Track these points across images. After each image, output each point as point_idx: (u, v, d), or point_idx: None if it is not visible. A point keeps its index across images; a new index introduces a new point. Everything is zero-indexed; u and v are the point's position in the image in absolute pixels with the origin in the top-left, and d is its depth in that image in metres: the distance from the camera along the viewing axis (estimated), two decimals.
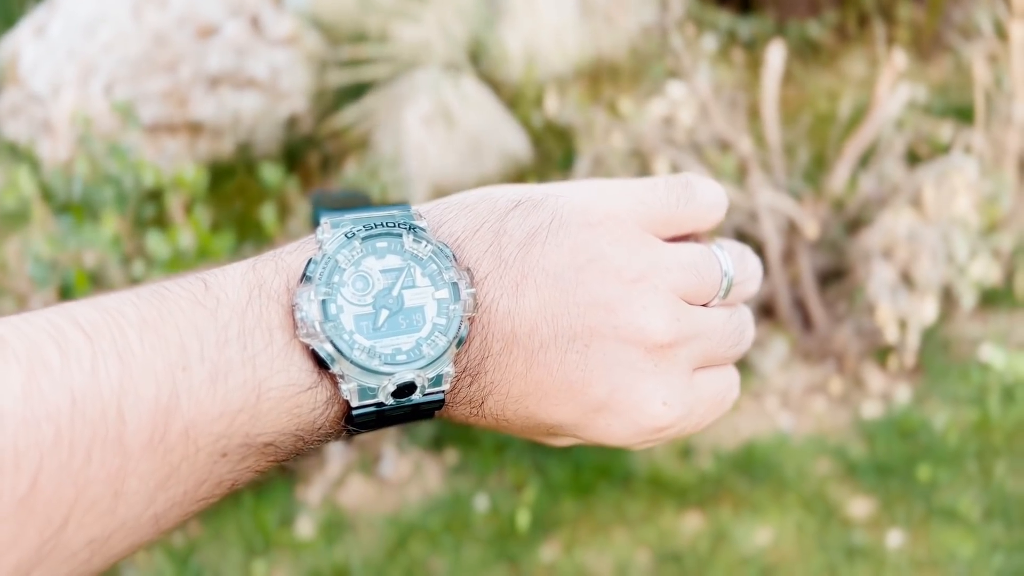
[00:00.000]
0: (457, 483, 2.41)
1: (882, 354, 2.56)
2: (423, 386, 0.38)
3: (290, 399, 0.36)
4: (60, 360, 0.31)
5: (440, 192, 3.39)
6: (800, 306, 2.65)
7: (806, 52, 3.90)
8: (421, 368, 0.38)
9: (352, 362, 0.36)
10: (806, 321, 2.65)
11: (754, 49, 3.57)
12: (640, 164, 2.24)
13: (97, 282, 2.35)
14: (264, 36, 4.03)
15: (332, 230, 0.39)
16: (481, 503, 2.32)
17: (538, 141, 3.65)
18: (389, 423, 0.39)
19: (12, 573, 0.30)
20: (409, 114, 3.29)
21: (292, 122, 3.92)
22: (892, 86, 2.59)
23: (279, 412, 0.35)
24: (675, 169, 2.23)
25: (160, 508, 0.33)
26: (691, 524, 2.19)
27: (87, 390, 0.31)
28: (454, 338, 0.39)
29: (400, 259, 0.39)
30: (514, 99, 3.73)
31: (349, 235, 0.39)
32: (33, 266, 2.28)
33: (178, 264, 2.27)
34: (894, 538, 2.08)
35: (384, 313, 0.38)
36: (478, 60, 3.80)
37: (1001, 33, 2.99)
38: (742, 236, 2.65)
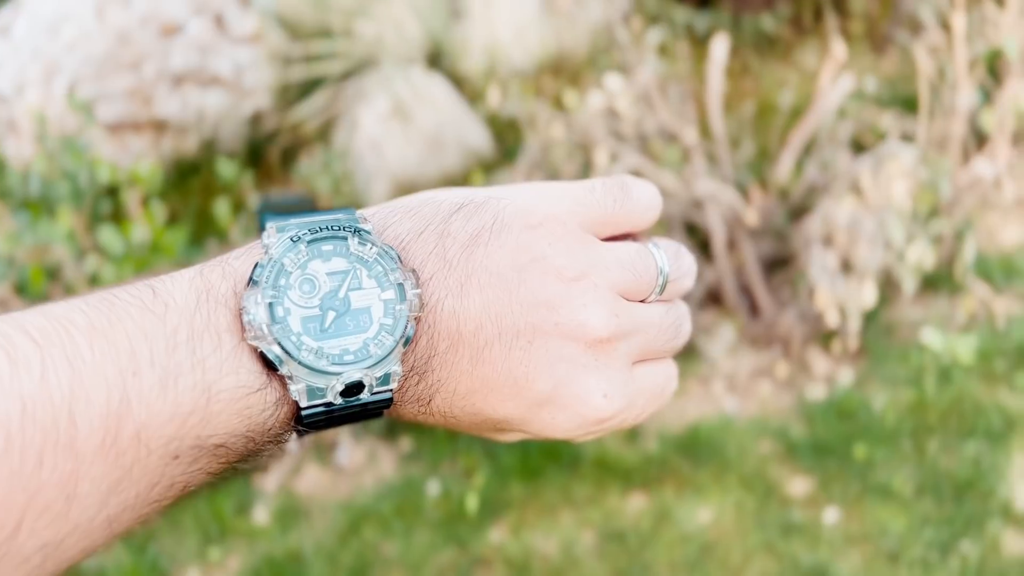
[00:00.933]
0: (410, 470, 2.46)
1: (826, 338, 2.62)
2: (371, 385, 0.39)
3: (240, 400, 0.36)
4: (9, 368, 0.31)
5: (401, 187, 3.44)
6: (746, 293, 2.72)
7: (763, 45, 3.96)
8: (369, 367, 0.39)
9: (300, 363, 0.37)
10: (752, 307, 2.72)
11: (706, 43, 3.63)
12: (585, 156, 2.29)
13: (53, 277, 2.39)
14: (228, 34, 4.06)
15: (278, 234, 0.40)
16: (433, 488, 2.37)
17: (500, 135, 3.70)
18: (339, 423, 0.40)
19: None
20: (367, 110, 3.33)
21: (256, 119, 3.95)
22: (834, 77, 2.65)
23: (229, 414, 0.36)
24: (616, 160, 2.29)
25: (113, 511, 0.34)
26: (635, 505, 2.25)
27: (37, 396, 0.31)
28: (401, 337, 0.40)
29: (346, 261, 0.40)
30: (476, 94, 3.78)
31: (295, 239, 0.40)
32: None
33: (131, 259, 2.31)
34: (830, 515, 2.14)
35: (331, 315, 0.39)
36: (440, 56, 3.85)
37: (945, 25, 3.06)
38: (688, 225, 2.71)
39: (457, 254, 0.41)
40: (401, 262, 0.41)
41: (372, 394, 0.40)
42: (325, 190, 2.41)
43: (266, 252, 0.39)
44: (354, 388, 0.39)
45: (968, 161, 2.81)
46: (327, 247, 0.40)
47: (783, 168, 2.67)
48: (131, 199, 2.55)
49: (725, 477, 2.27)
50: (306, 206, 0.45)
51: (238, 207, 2.60)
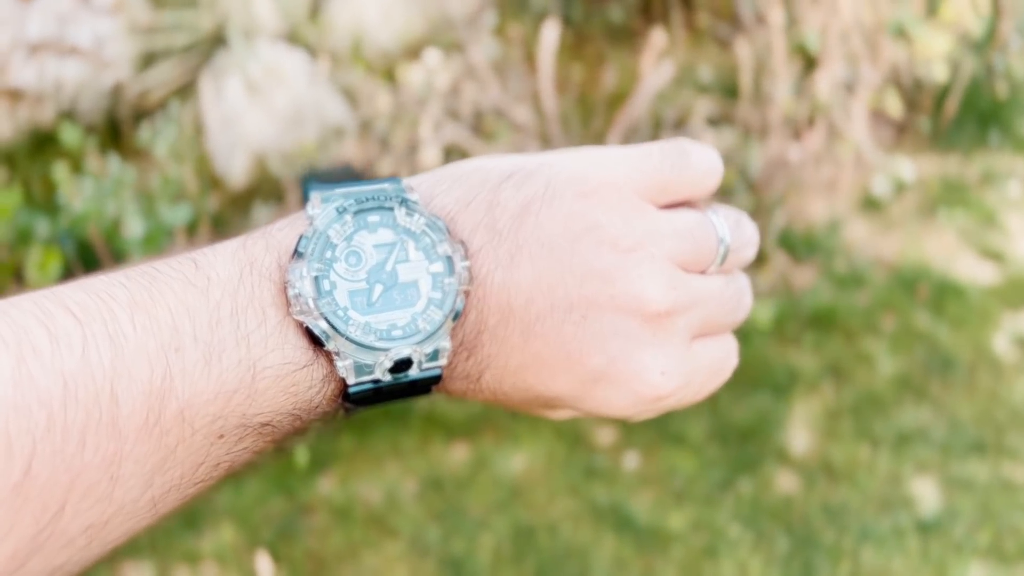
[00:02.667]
0: None
1: None
2: (420, 361, 0.38)
3: (286, 378, 0.35)
4: (50, 345, 0.30)
5: (260, 160, 3.51)
6: None
7: (617, 35, 4.18)
8: (418, 343, 0.38)
9: (347, 339, 0.36)
10: None
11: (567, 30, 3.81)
12: (409, 126, 2.43)
13: None
14: (89, 4, 4.04)
15: (323, 205, 0.39)
16: None
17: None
18: (387, 399, 0.39)
19: (8, 562, 0.29)
20: (222, 83, 3.39)
21: (116, 90, 3.95)
22: (655, 64, 2.87)
23: (275, 391, 0.35)
24: (439, 129, 2.44)
25: (157, 492, 0.33)
26: (458, 454, 2.42)
27: (79, 374, 0.30)
28: (450, 312, 0.39)
29: (393, 233, 0.39)
30: (335, 68, 3.87)
31: (340, 210, 0.39)
32: None
33: None
34: (630, 460, 2.35)
35: (378, 288, 0.38)
36: (304, 32, 3.92)
37: (764, 20, 3.32)
38: None
39: (507, 224, 0.40)
40: (449, 233, 0.40)
41: (421, 370, 0.38)
42: (161, 156, 2.48)
43: (311, 223, 0.38)
44: (403, 364, 0.38)
45: (780, 145, 3.07)
46: (373, 218, 0.39)
47: None
48: None
49: (540, 428, 2.46)
50: (351, 175, 0.49)
51: (79, 171, 2.64)
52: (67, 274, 2.55)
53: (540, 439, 2.42)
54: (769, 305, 2.73)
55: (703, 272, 0.43)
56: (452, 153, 2.54)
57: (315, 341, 0.36)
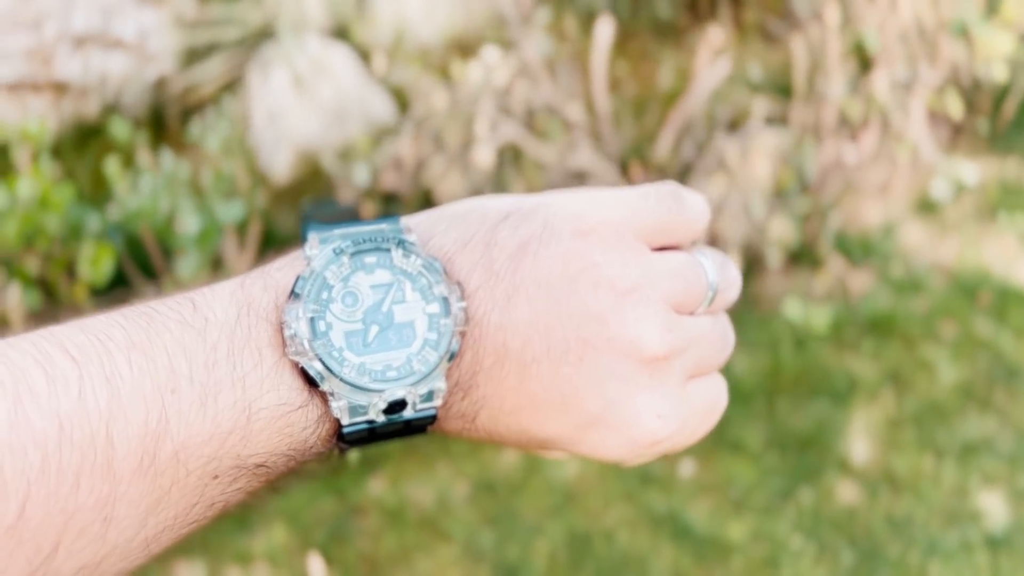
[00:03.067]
0: None
1: None
2: (414, 402, 0.38)
3: (281, 418, 0.35)
4: (47, 386, 0.30)
5: (305, 157, 3.49)
6: None
7: (662, 32, 4.12)
8: (412, 384, 0.38)
9: (341, 380, 0.36)
10: None
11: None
12: (464, 124, 2.40)
13: None
14: None
15: (320, 246, 0.39)
16: None
17: (405, 105, 3.78)
18: (381, 439, 0.39)
19: None
20: (267, 77, 3.38)
21: (160, 84, 3.94)
22: (711, 62, 2.81)
23: (270, 432, 0.35)
24: (495, 129, 2.40)
25: (151, 532, 0.33)
26: (509, 458, 2.38)
27: (74, 416, 0.30)
28: (445, 353, 0.39)
29: (390, 274, 0.39)
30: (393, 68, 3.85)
31: (337, 251, 0.39)
32: None
33: (16, 213, 2.33)
34: (686, 467, 2.31)
35: (374, 329, 0.38)
36: (348, 27, 3.90)
37: (821, 18, 3.25)
38: None
39: (504, 264, 0.40)
40: (446, 274, 0.40)
41: (416, 411, 0.38)
42: (214, 152, 2.46)
43: (308, 264, 0.39)
44: (397, 405, 0.38)
45: (835, 146, 3.01)
46: (370, 259, 0.40)
47: (662, 147, 2.83)
48: (22, 156, 2.55)
49: None
50: (350, 216, 0.45)
51: (129, 166, 2.63)
52: (118, 270, 2.54)
53: None
54: (826, 310, 2.67)
55: (691, 313, 0.44)
56: (506, 152, 2.51)
57: (310, 382, 0.36)
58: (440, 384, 0.39)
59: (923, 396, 2.44)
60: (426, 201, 2.59)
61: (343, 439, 0.38)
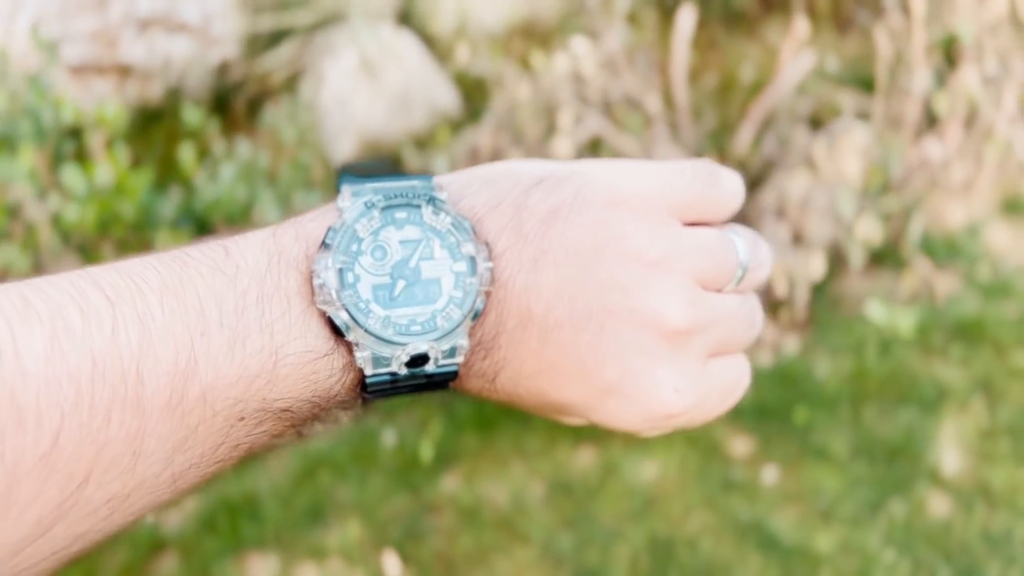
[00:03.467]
0: (366, 419, 2.51)
1: (775, 308, 2.71)
2: (436, 357, 0.39)
3: (306, 365, 0.36)
4: (82, 323, 0.32)
5: (368, 145, 3.45)
6: None
7: (731, 20, 4.02)
8: (435, 340, 0.38)
9: (366, 331, 0.37)
10: None
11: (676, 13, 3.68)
12: (548, 117, 2.34)
13: (14, 214, 2.38)
14: None
15: (352, 199, 0.40)
16: (388, 438, 2.43)
17: (468, 94, 3.72)
18: (404, 392, 0.40)
19: (34, 527, 0.31)
20: (336, 63, 3.34)
21: (223, 68, 3.92)
22: (795, 54, 2.72)
23: (296, 378, 0.36)
24: (580, 122, 2.34)
25: (178, 469, 0.34)
26: (584, 458, 2.33)
27: (107, 353, 0.31)
28: (469, 311, 0.39)
29: (419, 230, 0.40)
30: (445, 54, 3.79)
31: (369, 204, 0.39)
32: None
33: (95, 200, 2.32)
34: (769, 474, 2.24)
35: (401, 283, 0.39)
36: (410, 14, 3.85)
37: (906, 8, 3.14)
38: None
39: (533, 228, 0.40)
40: (475, 234, 0.40)
41: (437, 366, 0.39)
42: (290, 141, 2.42)
43: (340, 216, 0.39)
44: (419, 359, 0.38)
45: (919, 142, 2.90)
46: (401, 215, 0.40)
47: (742, 140, 2.74)
48: (95, 141, 2.54)
49: (671, 435, 2.36)
50: (387, 169, 0.45)
51: (203, 154, 2.61)
52: None
53: (672, 447, 2.32)
54: (911, 312, 2.58)
55: (720, 291, 0.44)
56: (583, 144, 2.44)
57: (336, 331, 0.37)
58: (463, 341, 0.39)
59: (1017, 406, 2.35)
60: None
61: (366, 389, 0.38)
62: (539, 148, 2.38)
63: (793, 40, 2.68)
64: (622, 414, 0.42)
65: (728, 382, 0.44)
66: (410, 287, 0.39)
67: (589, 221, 0.40)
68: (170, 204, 2.47)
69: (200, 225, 2.63)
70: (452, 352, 0.39)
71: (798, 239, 2.56)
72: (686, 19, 2.62)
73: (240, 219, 2.33)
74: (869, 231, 2.51)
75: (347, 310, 0.37)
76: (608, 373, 0.40)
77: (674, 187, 0.42)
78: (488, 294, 0.40)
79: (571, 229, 0.40)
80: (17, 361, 0.30)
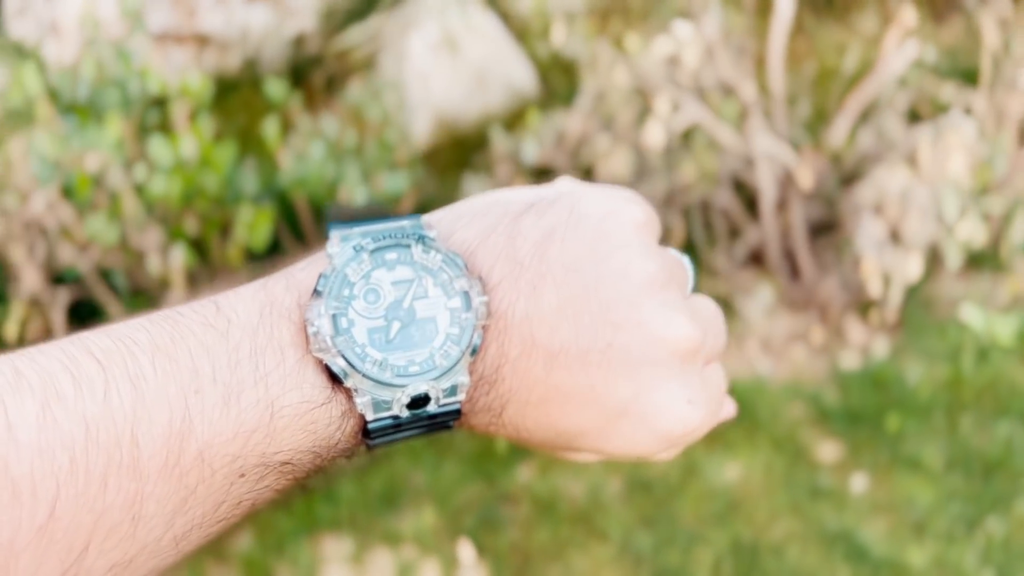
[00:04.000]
0: None
1: (865, 308, 2.61)
2: (437, 397, 0.38)
3: (304, 415, 0.36)
4: (74, 390, 0.31)
5: (444, 123, 3.40)
6: (789, 255, 2.70)
7: (820, 4, 3.87)
8: (435, 379, 0.38)
9: (364, 375, 0.36)
10: (793, 270, 2.70)
11: None
12: (642, 103, 2.26)
13: (100, 184, 2.38)
14: None
15: (341, 244, 0.39)
16: None
17: (544, 74, 3.64)
18: (408, 435, 0.39)
19: None
20: (414, 39, 3.28)
21: (300, 40, 3.90)
22: (899, 43, 2.60)
23: (294, 429, 0.35)
24: (677, 109, 2.25)
25: (179, 530, 0.34)
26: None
27: (100, 418, 0.31)
28: (467, 347, 0.38)
29: (411, 270, 0.39)
30: (522, 31, 3.72)
31: (358, 248, 0.39)
32: (37, 165, 2.31)
33: (180, 172, 2.30)
34: (858, 482, 2.16)
35: (396, 325, 0.38)
36: None
37: None
38: (738, 183, 2.68)
39: (529, 253, 0.39)
40: (466, 268, 0.39)
41: (439, 406, 0.38)
42: (374, 119, 2.38)
43: (330, 262, 0.38)
44: (420, 400, 0.38)
45: None
46: (391, 255, 0.39)
47: (838, 132, 2.63)
48: (179, 112, 2.53)
49: (756, 437, 2.29)
50: (375, 213, 0.43)
51: (286, 129, 2.58)
52: (275, 237, 2.50)
53: (756, 449, 2.25)
54: (1011, 319, 2.46)
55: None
56: (683, 135, 2.36)
57: (334, 378, 0.36)
58: (463, 378, 0.38)
59: None
60: (586, 177, 2.47)
61: (368, 435, 0.38)
62: (630, 135, 2.31)
63: (897, 28, 2.55)
64: (636, 436, 0.41)
65: (719, 387, 0.44)
66: (406, 328, 0.38)
67: (587, 235, 0.39)
68: (251, 179, 2.45)
69: (282, 201, 2.61)
70: (453, 390, 0.38)
71: (895, 237, 2.45)
72: (786, 4, 2.51)
73: (325, 197, 2.29)
74: (971, 232, 2.40)
75: (343, 356, 0.36)
76: (620, 392, 0.39)
77: (653, 213, 0.43)
78: (486, 328, 0.39)
79: (569, 246, 0.39)
80: (9, 433, 0.29)
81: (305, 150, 2.12)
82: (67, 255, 2.34)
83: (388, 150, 2.22)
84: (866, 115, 2.75)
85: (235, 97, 3.72)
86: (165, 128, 2.68)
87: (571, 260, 0.39)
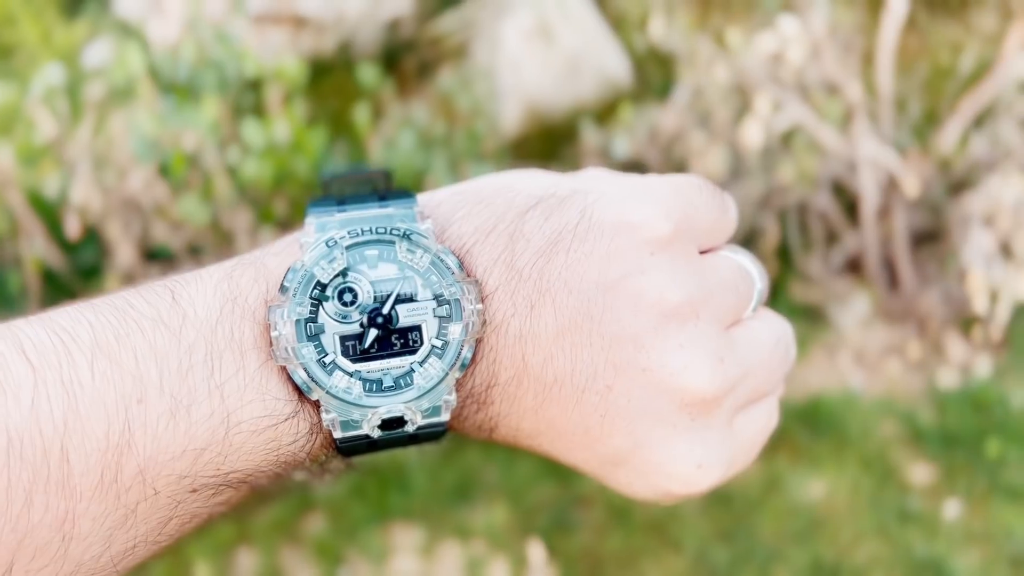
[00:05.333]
0: None
1: (967, 324, 2.48)
2: (414, 420, 0.33)
3: (264, 432, 0.31)
4: None
5: (533, 112, 3.36)
6: (888, 265, 2.58)
7: (937, 1, 3.69)
8: (412, 400, 0.33)
9: (328, 392, 0.32)
10: (892, 280, 2.58)
11: None
12: (741, 100, 2.17)
13: (194, 164, 2.42)
14: None
15: (315, 234, 0.34)
16: None
17: (639, 66, 3.57)
18: (386, 449, 0.35)
19: None
20: (508, 26, 3.25)
21: (394, 25, 3.91)
22: (1021, 43, 2.44)
23: (252, 446, 0.31)
24: (779, 109, 2.16)
25: (119, 548, 0.30)
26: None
27: (25, 429, 0.28)
28: (452, 364, 0.34)
29: (396, 268, 0.34)
30: (619, 21, 3.64)
31: (330, 243, 0.34)
32: (136, 142, 2.37)
33: (272, 155, 2.33)
34: (951, 508, 2.05)
35: (373, 332, 0.33)
36: None
37: None
38: (839, 187, 2.57)
39: (529, 262, 0.34)
40: (462, 270, 0.34)
41: (417, 428, 0.33)
42: (464, 109, 2.36)
43: (300, 254, 0.34)
44: (394, 422, 0.33)
45: None
46: (371, 252, 0.34)
47: (949, 137, 2.49)
48: (273, 95, 2.55)
49: (843, 453, 2.19)
50: (366, 192, 0.37)
51: (377, 115, 2.58)
52: None
53: (844, 466, 2.16)
54: None
55: (738, 321, 0.37)
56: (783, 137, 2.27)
57: (300, 388, 0.32)
58: (448, 397, 0.34)
59: None
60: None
61: (340, 451, 0.33)
62: (727, 133, 2.23)
63: (1020, 27, 2.40)
64: (634, 486, 0.36)
65: (755, 435, 0.38)
66: (385, 335, 0.33)
67: (597, 251, 0.34)
68: (341, 164, 2.46)
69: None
70: (436, 410, 0.34)
71: (1006, 251, 2.31)
72: (898, 1, 2.38)
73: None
74: None
75: (305, 368, 0.32)
76: (617, 442, 0.34)
77: (696, 208, 0.36)
78: (479, 340, 0.34)
79: (575, 262, 0.33)
80: None
81: (395, 137, 2.11)
82: (161, 233, 2.39)
83: (476, 140, 2.20)
84: (981, 120, 2.60)
85: (329, 80, 3.75)
86: (260, 111, 2.72)
87: (575, 280, 0.33)
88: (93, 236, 2.52)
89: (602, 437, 0.35)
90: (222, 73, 2.60)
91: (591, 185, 0.36)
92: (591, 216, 0.34)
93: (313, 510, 2.17)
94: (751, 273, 0.38)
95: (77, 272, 2.61)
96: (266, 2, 3.87)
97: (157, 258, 2.49)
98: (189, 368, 0.30)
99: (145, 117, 2.33)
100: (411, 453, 2.28)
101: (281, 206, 2.38)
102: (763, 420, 0.38)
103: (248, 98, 2.72)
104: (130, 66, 2.57)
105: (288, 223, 2.47)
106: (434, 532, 2.11)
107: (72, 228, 2.38)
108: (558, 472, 2.21)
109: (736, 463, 0.37)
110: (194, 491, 0.31)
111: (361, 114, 2.46)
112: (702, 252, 0.37)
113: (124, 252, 2.40)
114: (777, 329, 0.39)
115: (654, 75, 3.45)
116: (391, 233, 0.34)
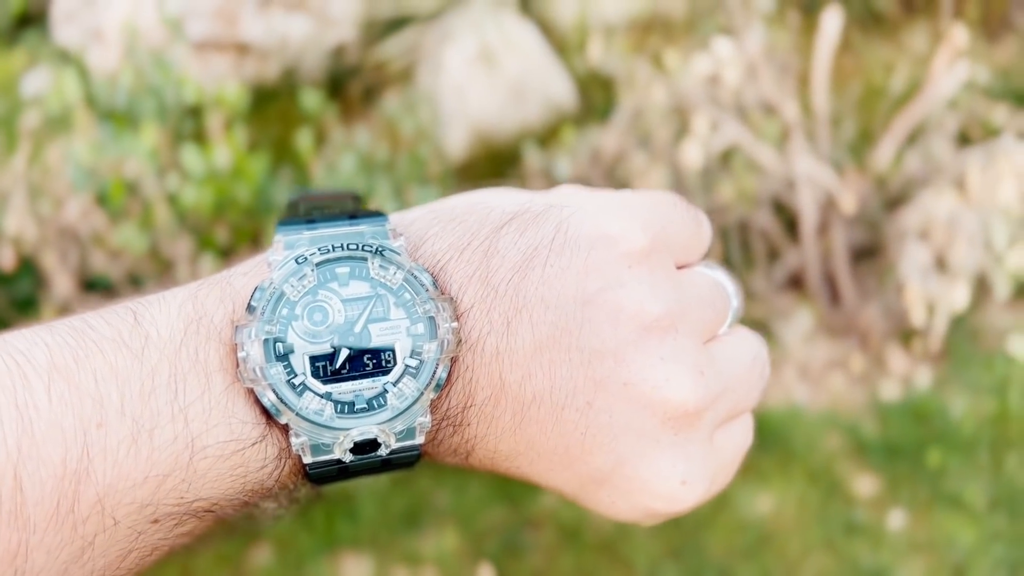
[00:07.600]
0: None
1: (907, 336, 2.53)
2: (387, 443, 0.33)
3: (231, 457, 0.30)
4: None
5: (480, 136, 3.38)
6: (829, 280, 2.62)
7: (868, 21, 3.79)
8: (386, 421, 0.32)
9: (298, 414, 0.31)
10: (834, 296, 2.62)
11: (814, 13, 3.48)
12: (680, 121, 2.21)
13: (133, 192, 2.38)
14: None
15: (284, 252, 0.34)
16: None
17: (583, 89, 3.60)
18: (357, 475, 0.34)
19: None
20: (451, 52, 3.26)
21: (339, 51, 3.90)
22: (950, 64, 2.51)
23: (218, 473, 0.30)
24: (716, 129, 2.20)
25: None
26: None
27: None
28: (427, 384, 0.33)
29: (368, 286, 0.33)
30: (562, 45, 3.68)
31: (300, 260, 0.33)
32: (73, 170, 2.32)
33: (212, 182, 2.30)
34: (895, 518, 2.08)
35: (344, 352, 0.32)
36: (532, 2, 3.75)
37: None
38: (778, 204, 2.62)
39: (505, 278, 0.33)
40: (435, 288, 0.33)
41: (390, 452, 0.33)
42: (408, 133, 2.36)
43: (269, 273, 0.33)
44: (366, 445, 0.32)
45: None
46: (342, 269, 0.33)
47: (883, 154, 2.56)
48: (214, 121, 2.53)
49: (790, 468, 2.21)
50: (335, 211, 0.37)
51: (320, 141, 2.57)
52: None
53: (791, 481, 2.18)
54: None
55: (714, 337, 0.37)
56: (714, 150, 2.30)
57: (268, 412, 0.31)
58: (422, 419, 0.33)
59: None
60: None
61: (310, 478, 0.32)
62: (667, 153, 2.26)
63: (948, 48, 2.47)
64: (616, 508, 0.35)
65: (735, 451, 0.38)
66: (357, 356, 0.32)
67: (574, 265, 0.33)
68: (284, 190, 2.44)
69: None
70: (410, 433, 0.33)
71: (941, 265, 2.37)
72: (832, 22, 2.44)
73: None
74: (1021, 261, 2.30)
75: (274, 390, 0.31)
76: (598, 460, 0.34)
77: (673, 223, 0.36)
78: (454, 360, 0.33)
79: (551, 277, 0.33)
80: None
81: (336, 162, 2.10)
82: (99, 262, 2.34)
83: (420, 164, 2.19)
84: (914, 137, 2.67)
85: (273, 106, 3.73)
86: (200, 137, 2.69)
87: (552, 295, 0.33)
88: (28, 267, 2.46)
89: (583, 455, 0.34)
90: (161, 99, 2.56)
91: (566, 200, 0.36)
92: (567, 230, 0.34)
93: (259, 542, 2.12)
94: (727, 289, 0.38)
95: (12, 304, 2.54)
96: (208, 29, 3.84)
97: (95, 288, 2.44)
98: (152, 391, 0.29)
99: (82, 145, 2.29)
100: (360, 481, 2.25)
101: (222, 233, 2.35)
102: (741, 437, 0.38)
103: (188, 125, 2.68)
104: (67, 94, 2.53)
105: (229, 250, 2.44)
106: (383, 560, 2.08)
107: (6, 259, 2.32)
108: (509, 495, 2.19)
109: (717, 480, 0.37)
110: (156, 521, 0.30)
111: (304, 139, 2.45)
112: (678, 268, 0.37)
113: (61, 283, 2.34)
114: (754, 346, 0.39)
115: (598, 98, 3.48)
116: (363, 249, 0.34)
